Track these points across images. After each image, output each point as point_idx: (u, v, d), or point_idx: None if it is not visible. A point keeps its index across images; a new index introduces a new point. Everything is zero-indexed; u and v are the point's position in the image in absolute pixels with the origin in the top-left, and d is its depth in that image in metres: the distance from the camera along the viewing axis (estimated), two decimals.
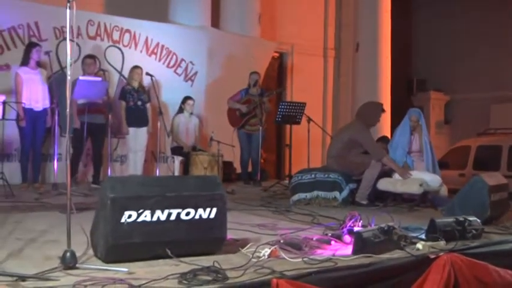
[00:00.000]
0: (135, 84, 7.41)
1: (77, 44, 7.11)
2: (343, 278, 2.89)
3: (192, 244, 3.07)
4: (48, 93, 6.70)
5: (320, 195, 5.90)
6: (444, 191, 5.99)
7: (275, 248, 3.18)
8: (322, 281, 2.77)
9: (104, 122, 7.11)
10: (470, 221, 3.87)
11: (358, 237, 3.30)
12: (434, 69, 15.14)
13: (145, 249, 2.96)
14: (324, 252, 3.29)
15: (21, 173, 6.65)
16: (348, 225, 3.74)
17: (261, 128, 7.92)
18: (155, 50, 8.54)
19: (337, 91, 12.32)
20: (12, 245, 3.37)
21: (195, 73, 8.92)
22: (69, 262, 2.75)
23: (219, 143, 7.38)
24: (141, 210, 2.91)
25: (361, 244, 3.25)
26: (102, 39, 8.04)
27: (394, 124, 8.09)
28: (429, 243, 3.57)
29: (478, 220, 3.97)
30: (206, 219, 3.08)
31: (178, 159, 7.57)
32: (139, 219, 2.91)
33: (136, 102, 7.35)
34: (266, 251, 3.12)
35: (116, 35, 8.17)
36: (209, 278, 2.60)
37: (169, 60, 8.69)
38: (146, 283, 2.51)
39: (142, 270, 2.79)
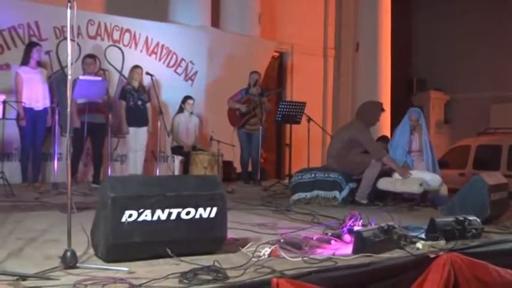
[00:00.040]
0: (135, 84, 7.41)
1: (77, 44, 7.12)
2: (343, 278, 2.89)
3: (192, 243, 3.08)
4: (49, 93, 6.71)
5: (320, 194, 5.91)
6: (444, 190, 6.00)
7: (275, 247, 3.19)
8: (322, 281, 2.77)
9: (104, 121, 7.12)
10: (470, 220, 3.87)
11: (358, 236, 3.30)
12: (434, 69, 15.14)
13: (146, 249, 2.96)
14: (324, 252, 3.30)
15: (21, 173, 6.65)
16: (348, 225, 3.75)
17: (261, 127, 7.92)
18: (155, 50, 8.55)
19: (337, 91, 12.32)
20: (12, 244, 3.37)
21: (195, 73, 8.92)
22: (69, 261, 2.75)
23: (219, 142, 7.38)
24: (141, 210, 2.91)
25: (361, 243, 3.25)
26: (102, 39, 8.04)
27: (394, 124, 8.09)
28: (429, 242, 3.57)
29: (478, 219, 3.97)
30: (206, 218, 3.09)
31: (178, 159, 7.57)
32: (140, 219, 2.91)
33: (137, 102, 7.35)
34: (266, 250, 3.12)
35: (116, 35, 8.17)
36: (209, 277, 2.60)
37: (169, 60, 8.69)
38: (147, 282, 2.51)
39: (142, 269, 2.79)
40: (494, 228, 4.36)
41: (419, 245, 3.49)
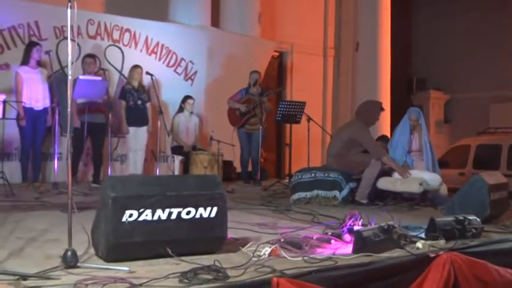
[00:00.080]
0: (135, 84, 7.42)
1: (77, 44, 7.12)
2: (343, 277, 2.90)
3: (192, 243, 3.08)
4: (49, 93, 6.71)
5: (320, 194, 5.91)
6: (444, 190, 6.00)
7: (275, 247, 3.19)
8: (323, 280, 2.78)
9: (104, 121, 7.12)
10: (470, 220, 3.88)
11: (358, 236, 3.31)
12: (434, 69, 15.14)
13: (146, 248, 2.97)
14: (324, 251, 3.31)
15: (21, 172, 6.65)
16: (348, 224, 3.76)
17: (261, 127, 7.93)
18: (155, 50, 8.55)
19: (337, 90, 12.33)
20: (13, 244, 3.38)
21: (195, 72, 8.92)
22: (70, 261, 2.76)
23: (219, 142, 7.38)
24: (142, 210, 2.92)
25: (361, 243, 3.26)
26: (102, 39, 8.04)
27: (394, 123, 8.10)
28: (429, 242, 3.58)
29: (478, 219, 3.98)
30: (207, 218, 3.09)
31: (178, 159, 7.57)
32: (140, 219, 2.92)
33: (137, 102, 7.36)
34: (266, 250, 3.13)
35: (116, 35, 8.17)
36: (210, 277, 2.60)
37: (169, 60, 8.69)
38: (147, 282, 2.51)
39: (143, 269, 2.80)
40: (494, 227, 4.37)
41: (419, 244, 3.50)
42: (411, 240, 3.57)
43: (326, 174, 5.96)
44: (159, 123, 7.24)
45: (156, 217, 2.95)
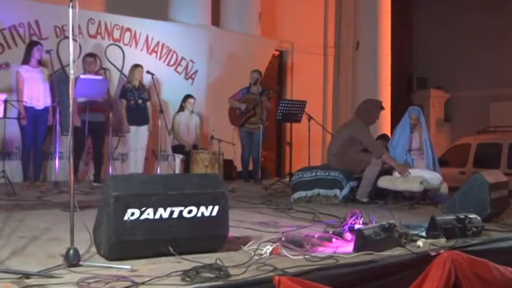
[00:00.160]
0: (136, 83, 7.43)
1: (78, 43, 7.14)
2: (345, 275, 2.90)
3: (194, 242, 3.09)
4: (50, 92, 6.71)
5: (321, 193, 5.91)
6: (444, 188, 6.01)
7: (277, 245, 3.20)
8: (324, 278, 2.78)
9: (105, 120, 7.13)
10: (470, 218, 3.88)
11: (359, 234, 3.32)
12: (435, 67, 15.14)
13: (148, 247, 2.97)
14: (325, 250, 3.31)
15: (22, 172, 6.67)
16: (349, 223, 3.76)
17: (261, 126, 7.93)
18: (156, 49, 8.55)
19: (337, 89, 12.33)
20: (15, 243, 3.39)
21: (196, 71, 8.93)
22: (72, 260, 2.77)
23: (220, 141, 7.39)
24: (143, 208, 2.93)
25: (362, 241, 3.26)
26: (102, 38, 8.05)
27: (394, 122, 8.11)
28: (430, 240, 3.58)
29: (479, 217, 3.98)
30: (208, 217, 3.10)
31: (179, 158, 7.58)
32: (142, 217, 2.92)
33: (137, 101, 7.37)
34: (268, 248, 3.14)
35: (116, 34, 8.18)
36: (211, 275, 2.61)
37: (169, 59, 8.70)
38: (149, 280, 2.52)
39: (145, 267, 2.80)
40: (495, 226, 4.37)
41: (420, 243, 3.50)
42: (412, 239, 3.57)
43: (327, 173, 5.97)
44: (159, 122, 7.24)
45: (158, 216, 2.96)
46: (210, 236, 3.14)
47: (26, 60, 6.60)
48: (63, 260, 2.79)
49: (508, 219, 4.76)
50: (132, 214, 2.90)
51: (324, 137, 10.44)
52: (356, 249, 3.26)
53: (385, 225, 3.43)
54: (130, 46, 8.31)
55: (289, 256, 3.07)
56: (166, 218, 2.99)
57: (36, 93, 6.58)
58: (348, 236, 3.57)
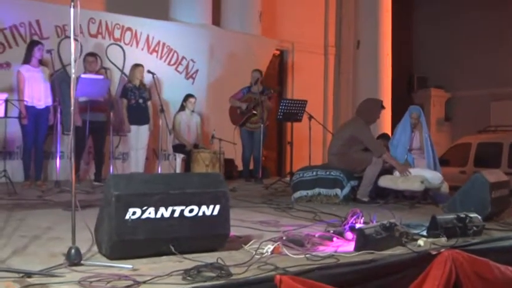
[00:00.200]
0: (137, 82, 7.43)
1: (79, 42, 7.14)
2: (345, 274, 2.91)
3: (195, 241, 3.09)
4: (51, 91, 6.72)
5: (322, 192, 5.91)
6: (445, 188, 6.01)
7: (278, 244, 3.20)
8: (325, 277, 2.79)
9: (106, 120, 7.14)
10: (471, 217, 3.88)
11: (360, 233, 3.32)
12: (435, 67, 15.14)
13: (150, 246, 2.98)
14: (326, 249, 3.32)
15: (23, 171, 6.68)
16: (349, 222, 3.76)
17: (262, 125, 7.94)
18: (156, 48, 8.56)
19: (338, 88, 12.33)
20: (16, 242, 3.39)
21: (196, 71, 8.94)
22: (74, 259, 2.77)
23: (221, 140, 7.40)
24: (145, 207, 2.93)
25: (363, 241, 3.27)
26: (103, 37, 8.06)
27: (395, 121, 8.11)
28: (430, 239, 3.58)
29: (479, 217, 3.99)
30: (209, 216, 3.11)
31: (180, 157, 7.59)
32: (144, 216, 2.93)
33: (138, 100, 7.38)
34: (269, 247, 3.14)
35: (117, 33, 8.19)
36: (213, 274, 2.61)
37: (170, 58, 8.70)
38: (150, 279, 2.53)
39: (146, 266, 2.81)
40: (495, 225, 4.37)
41: (420, 242, 3.50)
42: (413, 238, 3.57)
43: (327, 173, 5.97)
44: (160, 121, 7.25)
45: (159, 215, 2.97)
46: (211, 235, 3.15)
47: (27, 60, 6.61)
48: (65, 259, 2.79)
49: (508, 218, 4.76)
50: (134, 213, 2.90)
51: (325, 137, 10.45)
52: (357, 248, 3.26)
53: (386, 225, 3.43)
54: (131, 45, 8.32)
55: (290, 255, 3.07)
56: (168, 217, 2.99)
57: (37, 92, 6.59)
58: (349, 235, 3.57)
